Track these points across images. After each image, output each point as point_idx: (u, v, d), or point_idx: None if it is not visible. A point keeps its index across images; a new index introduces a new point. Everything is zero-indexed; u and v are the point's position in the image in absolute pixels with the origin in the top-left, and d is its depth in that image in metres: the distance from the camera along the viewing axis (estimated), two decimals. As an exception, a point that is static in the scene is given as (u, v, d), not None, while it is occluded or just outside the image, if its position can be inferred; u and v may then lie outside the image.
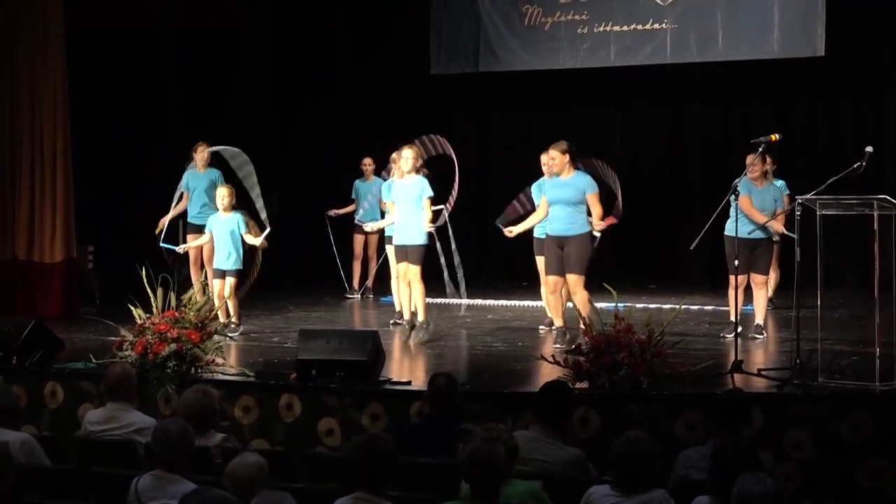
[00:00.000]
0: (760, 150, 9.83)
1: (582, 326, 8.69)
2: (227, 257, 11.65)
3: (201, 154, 12.82)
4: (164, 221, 12.72)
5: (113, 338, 9.93)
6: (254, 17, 16.39)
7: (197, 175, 12.88)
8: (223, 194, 11.73)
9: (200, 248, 12.35)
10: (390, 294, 14.22)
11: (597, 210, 10.56)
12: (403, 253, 11.08)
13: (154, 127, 15.12)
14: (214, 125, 15.25)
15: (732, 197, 9.92)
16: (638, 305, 11.82)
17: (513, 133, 16.55)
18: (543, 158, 11.14)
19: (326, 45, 16.77)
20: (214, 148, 12.73)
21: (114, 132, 14.47)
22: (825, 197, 8.68)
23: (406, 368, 9.92)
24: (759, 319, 10.98)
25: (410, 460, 6.48)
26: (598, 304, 8.91)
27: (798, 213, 8.80)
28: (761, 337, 10.83)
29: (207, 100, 15.56)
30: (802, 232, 8.83)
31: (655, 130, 15.98)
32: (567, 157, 10.49)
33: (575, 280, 10.33)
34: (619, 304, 8.81)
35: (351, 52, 16.95)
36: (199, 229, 12.44)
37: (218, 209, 11.80)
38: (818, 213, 8.60)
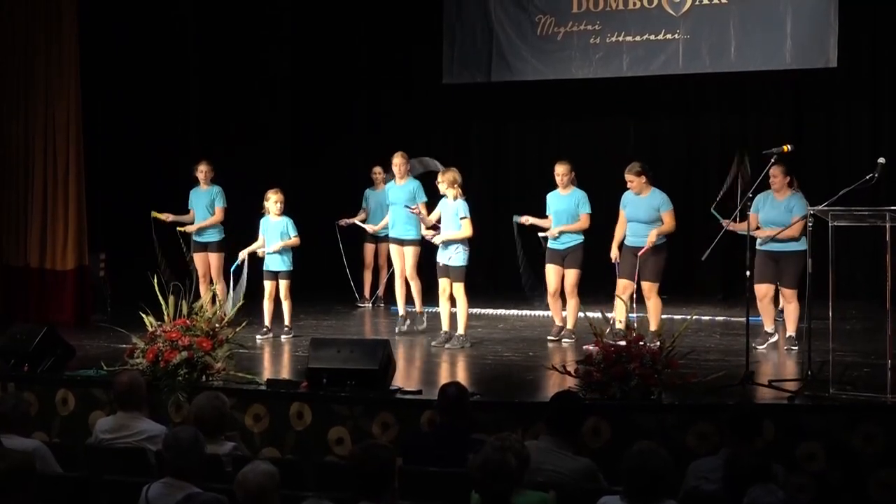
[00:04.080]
0: (773, 160, 9.82)
1: (593, 336, 8.67)
2: (278, 259, 12.09)
3: (203, 170, 12.87)
4: (169, 217, 12.94)
5: (124, 345, 9.95)
6: (275, 28, 16.49)
7: (199, 193, 12.96)
8: (274, 199, 12.10)
9: (208, 264, 12.73)
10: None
11: (668, 225, 11.01)
12: (445, 271, 11.49)
13: (167, 134, 15.15)
14: (231, 132, 15.38)
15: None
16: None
17: (526, 143, 16.55)
18: (558, 170, 11.69)
19: (345, 56, 16.80)
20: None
21: (127, 139, 14.49)
22: (837, 208, 8.66)
23: (417, 378, 9.91)
24: (790, 331, 10.93)
25: (421, 470, 6.47)
26: (610, 315, 8.89)
27: (810, 224, 8.79)
28: (795, 348, 10.74)
29: (224, 107, 15.65)
30: (814, 243, 8.81)
31: (668, 141, 15.96)
32: (643, 178, 11.10)
33: (648, 287, 10.93)
34: (630, 315, 8.80)
35: (368, 61, 16.98)
36: (204, 247, 12.83)
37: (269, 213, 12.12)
38: (830, 224, 8.59)
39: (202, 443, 6.10)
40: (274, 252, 12.04)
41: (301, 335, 11.96)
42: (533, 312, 13.56)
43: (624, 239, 11.23)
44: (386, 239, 13.72)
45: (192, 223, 12.92)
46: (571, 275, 11.50)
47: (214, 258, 12.80)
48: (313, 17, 16.54)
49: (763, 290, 10.89)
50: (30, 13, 13.10)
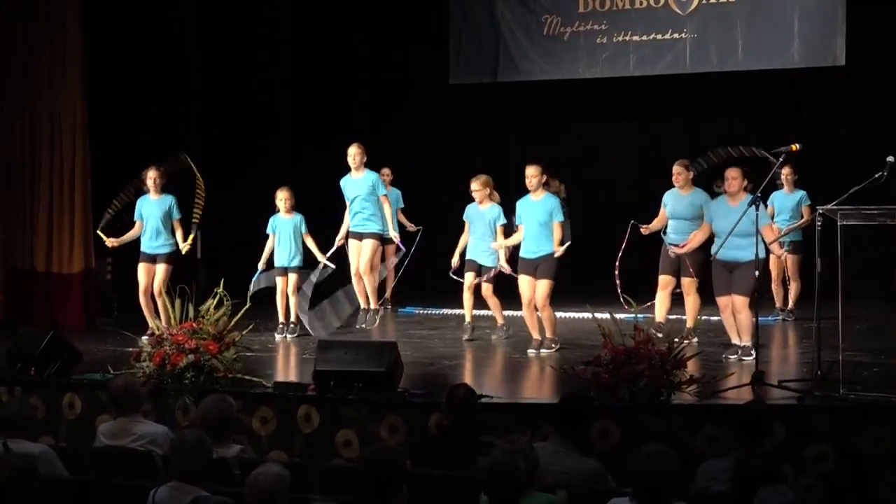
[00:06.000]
0: (780, 160, 9.79)
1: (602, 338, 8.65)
2: (289, 255, 12.20)
3: (153, 177, 12.08)
4: (114, 242, 12.14)
5: (131, 349, 9.94)
6: (275, 28, 16.55)
7: (150, 202, 12.17)
8: (283, 196, 12.19)
9: (153, 276, 12.02)
10: (409, 305, 14.28)
11: (708, 229, 10.62)
12: (476, 267, 11.68)
13: (174, 138, 15.12)
14: (231, 133, 15.38)
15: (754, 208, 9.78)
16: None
17: (528, 144, 16.50)
18: (529, 171, 11.25)
19: (344, 57, 16.80)
20: None
21: (128, 141, 14.47)
22: (846, 207, 8.63)
23: (425, 380, 9.89)
24: (745, 340, 10.36)
25: (429, 473, 6.45)
26: (618, 316, 8.87)
27: (819, 223, 8.76)
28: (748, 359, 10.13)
29: (228, 113, 15.70)
30: (823, 242, 8.78)
31: (675, 140, 15.89)
32: (691, 172, 11.28)
33: (689, 283, 11.04)
34: (638, 316, 8.78)
35: (369, 61, 16.97)
36: (153, 259, 12.07)
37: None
38: (839, 223, 8.55)
39: (209, 446, 6.09)
40: (286, 249, 12.22)
41: (308, 336, 12.00)
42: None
43: (661, 233, 11.28)
44: (391, 241, 13.70)
45: (137, 239, 12.16)
46: (543, 286, 10.98)
47: (162, 270, 11.97)
48: (313, 17, 16.57)
49: (724, 302, 10.41)
50: (32, 12, 13.10)
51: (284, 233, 12.27)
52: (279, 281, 12.27)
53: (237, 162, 15.51)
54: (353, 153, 12.22)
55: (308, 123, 16.70)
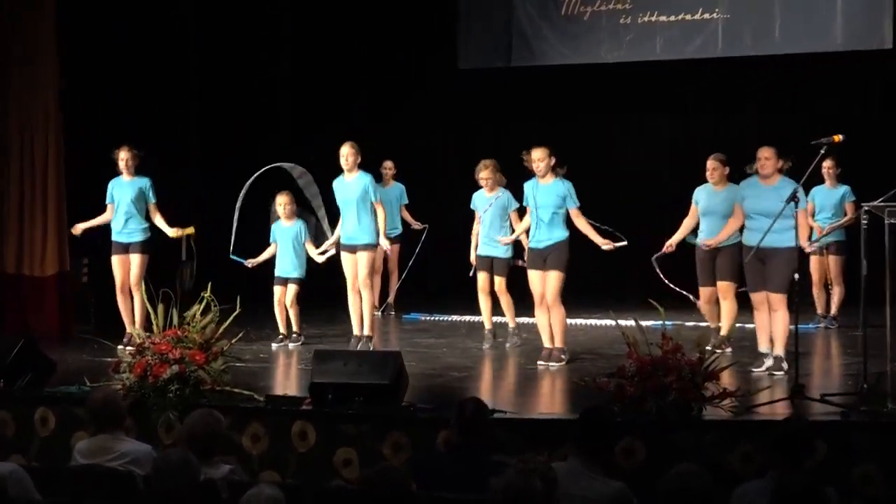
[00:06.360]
0: (822, 152, 9.76)
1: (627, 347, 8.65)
2: (290, 265, 12.44)
3: (124, 158, 12.22)
4: (80, 228, 12.41)
5: (109, 359, 9.94)
6: (275, 28, 16.99)
7: (122, 184, 12.31)
8: (283, 202, 12.38)
9: (128, 269, 12.15)
10: (414, 311, 14.31)
11: (739, 219, 10.58)
12: (488, 264, 11.86)
13: (174, 138, 15.57)
14: (231, 133, 15.55)
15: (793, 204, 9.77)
16: (688, 324, 11.86)
17: (547, 136, 16.48)
18: (535, 154, 11.12)
19: (344, 56, 17.00)
20: (272, 166, 12.72)
21: (110, 140, 14.52)
22: (894, 204, 8.62)
23: (432, 393, 9.89)
24: (778, 349, 10.29)
25: (436, 495, 6.45)
26: (644, 323, 8.86)
27: (864, 221, 8.74)
28: (780, 373, 10.16)
29: (228, 113, 16.08)
30: (869, 243, 8.77)
31: (706, 133, 15.89)
32: (727, 168, 11.29)
33: (726, 287, 11.15)
34: (666, 322, 8.77)
35: (368, 60, 17.12)
36: (125, 248, 12.19)
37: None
38: (886, 221, 8.54)
39: (195, 466, 6.08)
40: (287, 259, 12.48)
41: (309, 343, 12.13)
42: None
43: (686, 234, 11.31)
44: (397, 239, 13.79)
45: (106, 224, 12.28)
46: (553, 279, 10.90)
47: (137, 261, 12.13)
48: (313, 17, 16.85)
49: (758, 299, 10.32)
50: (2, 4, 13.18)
51: (285, 242, 12.50)
52: (277, 290, 12.48)
53: (237, 162, 15.65)
54: (346, 153, 11.90)
55: (308, 124, 16.91)
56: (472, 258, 12.12)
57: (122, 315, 12.07)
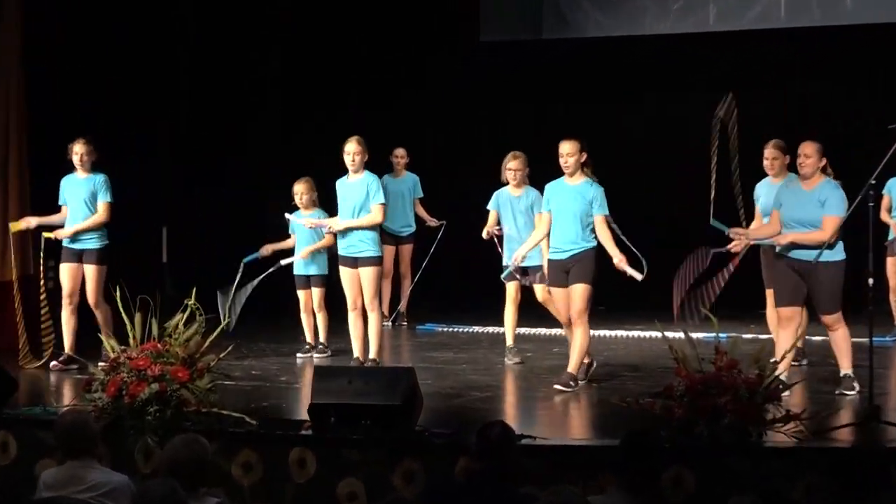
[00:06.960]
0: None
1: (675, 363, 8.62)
2: (308, 262, 12.61)
3: (79, 153, 12.18)
4: (31, 221, 12.40)
5: (80, 376, 9.96)
6: (267, 28, 17.48)
7: (75, 182, 12.30)
8: (300, 190, 12.57)
9: (81, 279, 12.14)
10: (429, 321, 14.31)
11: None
12: (518, 272, 11.81)
13: (164, 137, 16.10)
14: (222, 133, 15.81)
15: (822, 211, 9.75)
16: (745, 336, 11.79)
17: (581, 121, 16.52)
18: (564, 148, 10.89)
19: (338, 55, 17.42)
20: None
21: (124, 142, 14.67)
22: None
23: (450, 415, 9.88)
24: (845, 368, 10.27)
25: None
26: (695, 335, 8.84)
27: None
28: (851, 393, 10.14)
29: (217, 112, 16.59)
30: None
31: (765, 114, 15.83)
32: (787, 157, 11.16)
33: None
34: (720, 335, 8.74)
35: (366, 60, 17.42)
36: (78, 257, 12.18)
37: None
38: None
39: (181, 499, 6.08)
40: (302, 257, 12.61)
41: (337, 355, 12.38)
42: (597, 332, 13.45)
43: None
44: (410, 238, 13.80)
45: (62, 225, 12.23)
46: (579, 292, 10.75)
47: (92, 272, 12.12)
48: (304, 16, 17.26)
49: (786, 314, 10.23)
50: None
51: (303, 235, 12.68)
52: (301, 295, 12.69)
53: (227, 161, 15.98)
54: (353, 152, 11.71)
55: (298, 124, 17.25)
56: (507, 260, 11.86)
57: (63, 332, 11.99)
